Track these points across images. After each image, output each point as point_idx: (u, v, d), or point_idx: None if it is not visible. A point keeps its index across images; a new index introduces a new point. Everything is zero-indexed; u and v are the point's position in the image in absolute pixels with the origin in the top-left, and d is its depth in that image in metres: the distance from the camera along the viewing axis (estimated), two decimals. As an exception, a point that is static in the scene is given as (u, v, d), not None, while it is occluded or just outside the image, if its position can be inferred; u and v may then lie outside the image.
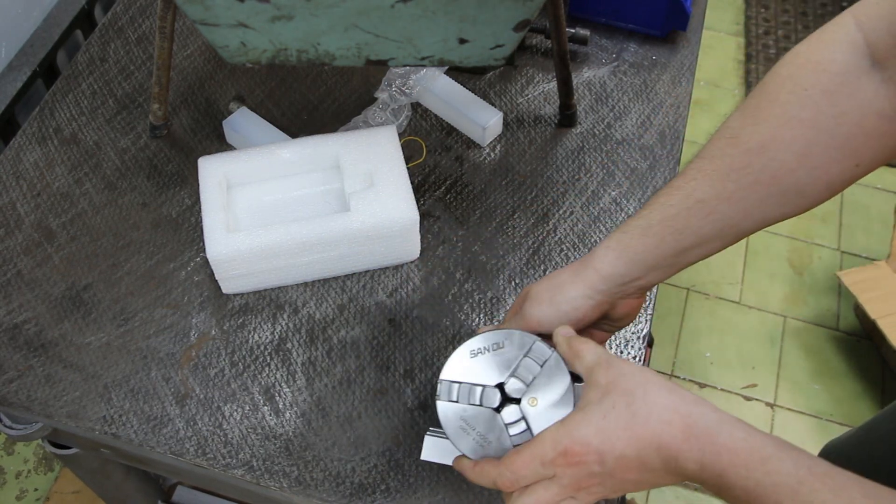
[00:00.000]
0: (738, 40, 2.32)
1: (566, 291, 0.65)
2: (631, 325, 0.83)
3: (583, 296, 0.65)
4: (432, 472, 0.74)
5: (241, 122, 0.94)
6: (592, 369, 0.57)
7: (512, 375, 0.61)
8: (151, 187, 0.92)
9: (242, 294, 0.84)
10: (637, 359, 0.81)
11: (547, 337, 0.64)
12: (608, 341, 0.81)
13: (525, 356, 0.61)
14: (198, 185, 0.84)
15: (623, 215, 0.91)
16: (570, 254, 0.88)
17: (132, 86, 1.01)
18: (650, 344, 0.86)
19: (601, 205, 0.92)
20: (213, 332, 0.82)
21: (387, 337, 0.82)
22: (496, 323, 0.82)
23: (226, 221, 0.80)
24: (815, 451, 1.66)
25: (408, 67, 0.95)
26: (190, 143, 0.96)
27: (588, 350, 0.58)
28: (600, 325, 0.69)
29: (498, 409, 0.60)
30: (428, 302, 0.84)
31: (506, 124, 0.98)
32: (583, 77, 1.03)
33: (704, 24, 1.11)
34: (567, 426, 0.55)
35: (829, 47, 0.58)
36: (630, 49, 1.06)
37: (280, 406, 0.77)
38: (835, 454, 1.09)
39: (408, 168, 0.85)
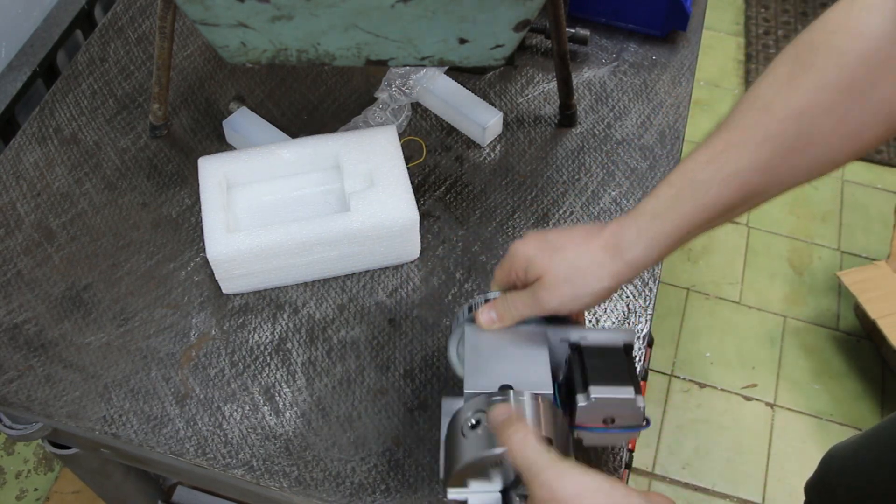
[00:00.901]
0: (738, 40, 2.32)
1: (591, 282, 0.63)
2: (631, 325, 0.83)
3: (609, 288, 0.63)
4: (432, 473, 0.74)
5: (241, 122, 0.94)
6: (527, 478, 0.53)
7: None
8: (151, 187, 0.92)
9: (242, 294, 0.84)
10: (637, 358, 0.81)
11: (560, 320, 0.64)
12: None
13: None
14: (198, 185, 0.84)
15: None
16: (570, 254, 0.87)
17: (132, 86, 1.01)
18: (650, 344, 0.86)
19: (601, 205, 0.92)
20: (213, 332, 0.82)
21: (387, 337, 0.82)
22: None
23: (226, 221, 0.80)
24: (816, 451, 1.66)
25: (408, 67, 0.95)
26: (190, 143, 0.96)
27: (520, 453, 0.54)
28: None
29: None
30: (428, 302, 0.84)
31: (506, 124, 0.98)
32: (583, 77, 1.03)
33: (704, 24, 1.11)
34: None
35: (864, 13, 0.57)
36: (630, 49, 1.06)
37: (280, 406, 0.77)
38: (838, 458, 1.09)
39: (408, 168, 0.85)
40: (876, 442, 1.00)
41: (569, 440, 0.61)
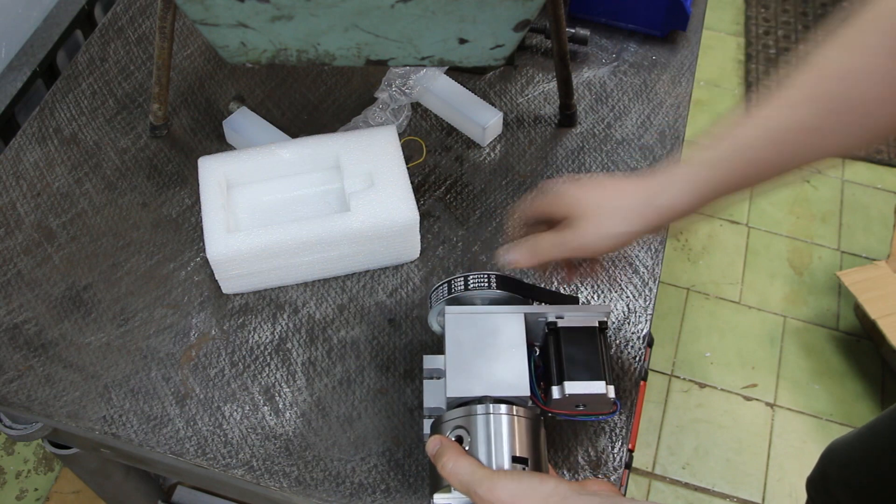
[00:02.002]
0: (738, 40, 2.32)
1: (617, 223, 0.62)
2: (631, 325, 0.83)
3: (635, 232, 0.62)
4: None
5: (241, 122, 0.94)
6: (469, 496, 0.57)
7: None
8: (151, 187, 0.92)
9: (242, 294, 0.84)
10: (637, 358, 0.81)
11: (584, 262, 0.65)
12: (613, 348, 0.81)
13: None
14: (198, 185, 0.84)
15: (623, 215, 0.91)
16: (570, 254, 0.88)
17: (132, 86, 1.01)
18: (650, 344, 0.86)
19: (601, 205, 0.91)
20: (213, 332, 0.82)
21: (387, 337, 0.82)
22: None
23: (226, 221, 0.80)
24: (816, 451, 1.66)
25: (408, 67, 0.95)
26: (190, 143, 0.96)
27: (454, 473, 0.58)
28: None
29: None
30: (428, 302, 0.84)
31: (506, 124, 0.98)
32: (583, 77, 1.03)
33: (704, 24, 1.11)
34: None
35: None
36: (630, 49, 1.06)
37: (280, 406, 0.77)
38: (838, 452, 1.10)
39: (408, 168, 0.85)
40: (874, 435, 1.01)
41: (542, 453, 0.64)
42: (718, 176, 0.60)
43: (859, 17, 0.59)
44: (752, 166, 0.60)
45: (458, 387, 0.65)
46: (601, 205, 0.63)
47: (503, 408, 0.63)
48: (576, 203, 0.65)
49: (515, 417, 0.63)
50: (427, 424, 0.68)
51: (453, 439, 0.62)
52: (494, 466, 0.60)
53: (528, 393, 0.65)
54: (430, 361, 0.71)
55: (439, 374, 0.71)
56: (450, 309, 0.69)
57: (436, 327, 0.75)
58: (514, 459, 0.61)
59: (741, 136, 0.60)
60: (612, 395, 0.66)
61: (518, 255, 0.67)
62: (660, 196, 0.62)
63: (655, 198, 0.62)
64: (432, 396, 0.69)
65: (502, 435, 0.62)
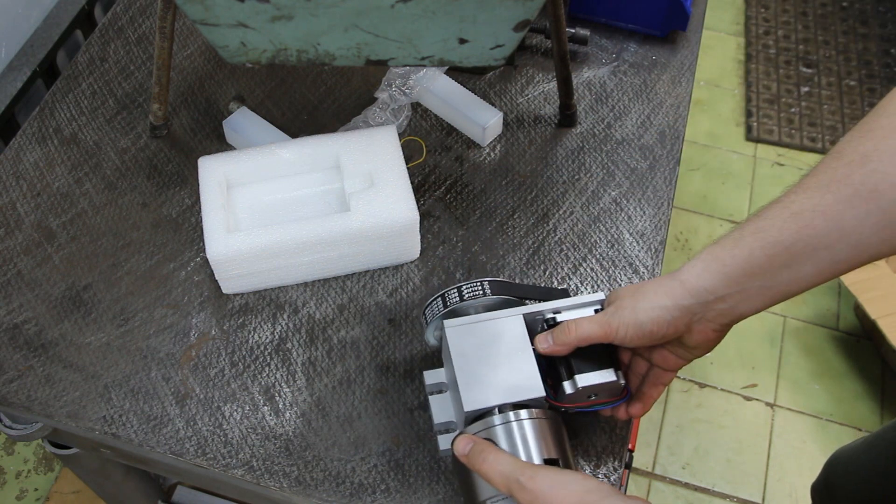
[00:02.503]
0: (738, 40, 2.32)
1: (648, 299, 0.63)
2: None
3: (663, 307, 0.63)
4: (432, 472, 0.74)
5: (241, 122, 0.94)
6: (508, 489, 0.58)
7: None
8: (151, 187, 0.92)
9: (242, 294, 0.84)
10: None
11: (626, 352, 0.68)
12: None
13: None
14: (198, 185, 0.84)
15: (623, 215, 0.91)
16: (569, 254, 0.88)
17: (132, 86, 1.01)
18: (650, 344, 0.86)
19: (601, 205, 0.92)
20: (213, 332, 0.82)
21: (387, 337, 0.82)
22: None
23: (226, 221, 0.80)
24: (816, 451, 1.66)
25: (408, 67, 0.95)
26: (190, 143, 0.96)
27: (496, 469, 0.59)
28: (674, 349, 0.68)
29: None
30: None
31: (506, 124, 0.98)
32: (583, 77, 1.03)
33: (704, 24, 1.11)
34: None
35: None
36: (630, 49, 1.06)
37: (280, 406, 0.77)
38: (843, 460, 1.09)
39: (408, 168, 0.85)
40: (878, 446, 1.00)
41: (568, 451, 0.65)
42: (742, 254, 0.60)
43: (882, 103, 0.60)
44: (771, 249, 0.59)
45: (473, 400, 0.65)
46: (635, 289, 0.65)
47: (523, 413, 0.63)
48: (612, 294, 0.67)
49: (538, 420, 0.63)
50: (442, 440, 0.68)
51: None
52: None
53: (542, 393, 0.65)
54: (432, 377, 0.71)
55: (443, 388, 0.71)
56: (448, 322, 0.69)
57: (433, 342, 0.75)
58: (546, 462, 0.61)
59: (762, 218, 0.60)
60: (622, 381, 0.67)
61: (551, 341, 0.67)
62: (684, 272, 0.63)
63: (681, 274, 0.63)
64: (441, 411, 0.69)
65: (528, 440, 0.62)
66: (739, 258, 0.60)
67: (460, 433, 0.64)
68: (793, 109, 2.15)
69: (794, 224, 0.59)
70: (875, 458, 1.00)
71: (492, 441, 0.62)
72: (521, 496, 0.57)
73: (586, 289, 0.85)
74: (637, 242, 0.88)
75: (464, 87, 0.98)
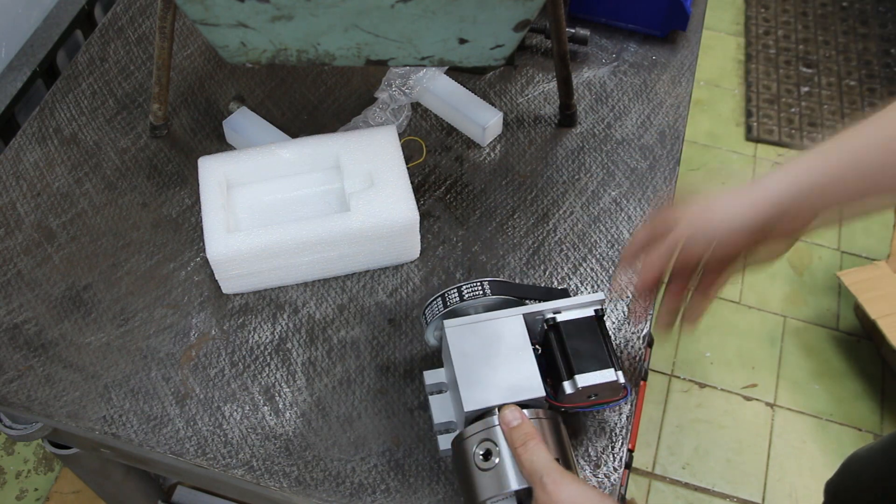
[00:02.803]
0: (738, 40, 2.32)
1: (726, 202, 0.62)
2: (631, 325, 0.83)
3: (741, 214, 0.62)
4: (432, 472, 0.74)
5: (241, 122, 0.94)
6: (532, 482, 0.59)
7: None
8: (151, 187, 0.92)
9: (242, 294, 0.84)
10: (637, 358, 0.81)
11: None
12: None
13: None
14: (198, 185, 0.84)
15: (623, 215, 0.91)
16: (569, 254, 0.88)
17: (132, 86, 1.01)
18: (650, 344, 0.86)
19: (601, 205, 0.92)
20: (213, 332, 0.82)
21: (387, 337, 0.82)
22: None
23: (226, 221, 0.80)
24: (816, 451, 1.66)
25: (408, 67, 0.95)
26: (190, 143, 0.96)
27: (531, 458, 0.59)
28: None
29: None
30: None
31: (506, 124, 0.98)
32: (583, 77, 1.03)
33: (704, 24, 1.11)
34: None
35: None
36: (630, 49, 1.06)
37: (280, 406, 0.77)
38: (859, 459, 1.10)
39: (408, 168, 0.85)
40: (891, 444, 1.00)
41: (569, 450, 0.65)
42: (821, 167, 0.60)
43: None
44: (858, 166, 0.59)
45: (474, 400, 0.65)
46: (708, 196, 0.64)
47: (526, 412, 0.64)
48: (684, 205, 0.65)
49: (538, 420, 0.63)
50: (442, 440, 0.69)
51: (482, 454, 0.62)
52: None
53: (542, 393, 0.66)
54: (432, 377, 0.71)
55: (443, 388, 0.71)
56: (448, 322, 0.69)
57: (433, 342, 0.75)
58: None
59: (854, 137, 0.60)
60: (622, 380, 0.67)
61: (636, 278, 0.67)
62: (764, 180, 0.62)
63: (763, 182, 0.62)
64: (441, 411, 0.69)
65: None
66: (825, 169, 0.60)
67: (457, 439, 0.64)
68: (793, 109, 2.15)
69: (887, 149, 0.59)
70: (892, 458, 1.00)
71: (492, 442, 0.62)
72: (540, 495, 0.58)
73: (586, 289, 0.85)
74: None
75: (464, 87, 0.98)
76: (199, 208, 0.84)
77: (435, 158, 0.95)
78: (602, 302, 0.70)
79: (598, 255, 0.87)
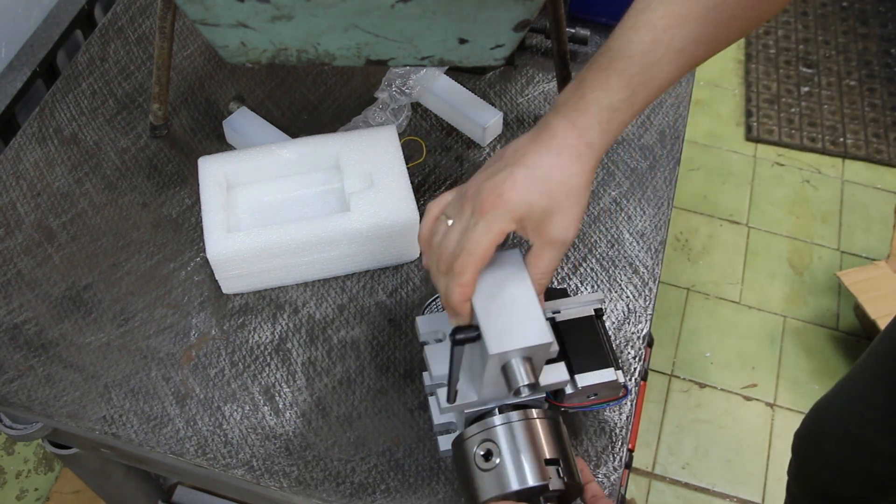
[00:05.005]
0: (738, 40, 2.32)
1: (576, 190, 0.59)
2: (631, 324, 0.83)
3: (588, 185, 0.60)
4: (432, 472, 0.74)
5: (241, 122, 0.94)
6: None
7: None
8: (151, 187, 0.92)
9: (242, 294, 0.84)
10: (637, 358, 0.81)
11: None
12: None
13: None
14: (198, 185, 0.84)
15: (623, 215, 0.91)
16: (569, 254, 0.87)
17: (132, 86, 1.01)
18: (650, 344, 0.86)
19: (601, 205, 0.92)
20: (213, 332, 0.82)
21: (387, 337, 0.82)
22: None
23: (226, 221, 0.80)
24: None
25: (408, 67, 0.95)
26: (190, 143, 0.96)
27: None
28: None
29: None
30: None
31: (506, 124, 0.98)
32: (583, 77, 1.03)
33: (704, 24, 1.11)
34: None
35: None
36: (630, 49, 1.06)
37: (280, 406, 0.77)
38: (820, 409, 1.14)
39: (408, 168, 0.85)
40: (857, 381, 1.04)
41: (569, 450, 0.65)
42: (637, 109, 0.61)
43: None
44: (661, 89, 0.61)
45: (497, 345, 0.59)
46: (559, 189, 0.59)
47: (524, 413, 0.64)
48: (529, 204, 0.59)
49: (538, 420, 0.63)
50: (442, 441, 0.69)
51: (482, 454, 0.62)
52: (527, 471, 0.60)
53: (550, 339, 0.59)
54: (425, 324, 0.70)
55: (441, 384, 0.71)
56: (420, 319, 0.69)
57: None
58: (547, 462, 0.61)
59: (651, 63, 0.60)
60: (621, 380, 0.68)
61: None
62: (599, 147, 0.61)
63: (598, 149, 0.60)
64: (439, 364, 0.67)
65: (528, 440, 0.62)
66: (636, 112, 0.62)
67: (458, 440, 0.64)
68: (793, 109, 2.15)
69: (681, 60, 0.60)
70: (858, 394, 1.04)
71: (493, 442, 0.62)
72: None
73: (586, 289, 0.85)
74: (637, 242, 0.88)
75: (464, 87, 0.98)
76: (199, 208, 0.84)
77: (435, 158, 0.95)
78: (602, 301, 0.70)
79: (598, 255, 0.87)
